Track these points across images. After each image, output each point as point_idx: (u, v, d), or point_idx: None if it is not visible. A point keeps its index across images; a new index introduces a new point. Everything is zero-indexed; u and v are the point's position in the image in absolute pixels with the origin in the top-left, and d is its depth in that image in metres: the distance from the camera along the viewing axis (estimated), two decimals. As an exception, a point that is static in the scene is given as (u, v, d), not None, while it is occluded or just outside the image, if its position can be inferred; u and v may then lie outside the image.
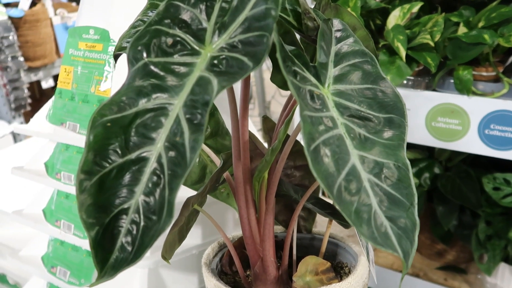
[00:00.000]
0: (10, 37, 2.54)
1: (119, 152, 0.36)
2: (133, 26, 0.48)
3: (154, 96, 0.37)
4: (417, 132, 0.87)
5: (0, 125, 2.52)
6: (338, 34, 0.43)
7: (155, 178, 0.35)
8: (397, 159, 0.36)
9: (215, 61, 0.37)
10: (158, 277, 0.86)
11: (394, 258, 1.16)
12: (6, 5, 2.65)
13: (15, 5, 2.64)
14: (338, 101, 0.38)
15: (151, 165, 0.35)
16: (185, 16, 0.40)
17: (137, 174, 0.36)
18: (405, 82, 0.88)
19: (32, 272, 0.95)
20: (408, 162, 0.36)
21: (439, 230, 1.04)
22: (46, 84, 2.82)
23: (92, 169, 0.36)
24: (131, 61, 0.39)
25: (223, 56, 0.36)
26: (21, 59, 2.59)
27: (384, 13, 0.93)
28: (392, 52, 0.86)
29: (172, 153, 0.35)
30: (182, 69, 0.38)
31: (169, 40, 0.39)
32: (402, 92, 0.87)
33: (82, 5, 0.90)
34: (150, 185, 0.35)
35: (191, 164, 0.33)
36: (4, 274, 1.27)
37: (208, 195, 0.66)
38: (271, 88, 2.39)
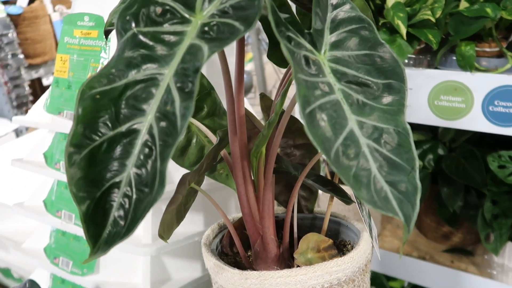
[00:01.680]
0: (10, 35, 2.53)
1: (109, 125, 0.35)
2: (122, 1, 0.47)
3: (144, 67, 0.36)
4: (420, 112, 0.85)
5: (2, 123, 2.52)
6: (334, 1, 0.42)
7: (146, 150, 0.34)
8: (397, 124, 0.34)
9: (206, 28, 0.35)
10: (161, 264, 0.85)
11: (399, 242, 1.15)
12: (5, 2, 2.64)
13: (14, 2, 2.63)
14: (335, 67, 0.37)
15: (142, 137, 0.34)
16: (175, -16, 0.39)
17: (128, 147, 0.35)
18: (406, 61, 0.86)
19: (35, 264, 0.95)
20: (408, 126, 0.34)
21: (444, 212, 1.03)
22: (47, 81, 2.81)
23: (82, 142, 0.34)
24: (120, 32, 0.38)
25: (214, 23, 0.35)
26: (21, 56, 2.58)
27: (384, -8, 0.91)
28: (392, 30, 0.84)
29: (163, 123, 0.34)
30: (173, 38, 0.36)
31: (158, 9, 0.38)
32: (404, 71, 0.86)
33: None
34: (141, 157, 0.34)
35: (182, 132, 0.32)
36: (8, 268, 1.27)
37: (207, 177, 0.65)
38: (272, 78, 2.38)
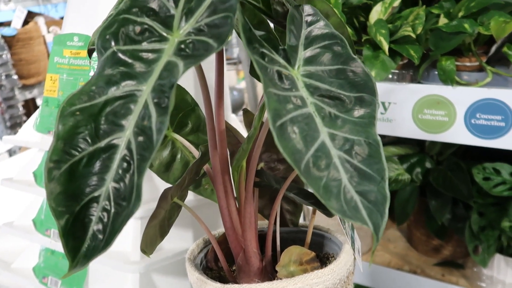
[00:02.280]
0: (4, 56, 2.55)
1: (89, 140, 0.36)
2: (105, 21, 0.48)
3: (123, 83, 0.37)
4: (405, 125, 0.87)
5: (-4, 144, 2.52)
6: (309, 19, 0.43)
7: (125, 164, 0.35)
8: (368, 136, 0.35)
9: (182, 46, 0.37)
10: (150, 281, 0.85)
11: (391, 256, 1.15)
12: (-1, 24, 2.67)
13: (8, 24, 2.66)
14: (308, 82, 0.38)
15: (121, 151, 0.35)
16: (153, 4, 0.40)
17: (107, 161, 0.35)
18: (390, 76, 0.88)
19: (24, 284, 0.94)
20: (379, 138, 0.35)
21: (433, 225, 1.04)
22: (41, 101, 2.82)
23: (62, 158, 0.35)
24: (100, 51, 0.39)
25: (190, 40, 0.36)
26: (15, 77, 2.60)
27: (367, 10, 0.94)
28: (375, 46, 0.86)
29: (140, 138, 0.35)
30: (151, 56, 0.38)
31: (137, 28, 0.39)
32: (388, 86, 0.87)
33: (67, 13, 0.90)
34: (120, 171, 0.35)
35: (157, 145, 0.33)
36: (-2, 290, 1.25)
37: (194, 193, 0.66)
38: (264, 95, 2.39)
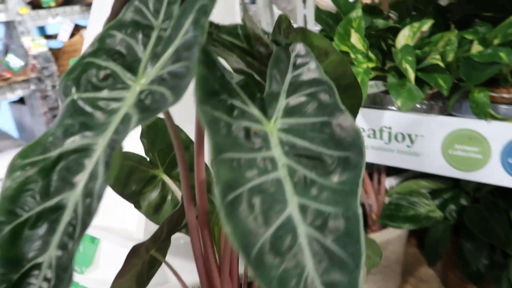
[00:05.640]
0: (50, 68, 2.66)
1: (38, 198, 0.33)
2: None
3: (80, 135, 0.34)
4: (433, 161, 0.79)
5: (40, 152, 2.62)
6: (298, 60, 0.38)
7: (70, 228, 0.31)
8: (348, 208, 0.30)
9: (142, 96, 0.33)
10: None
11: (420, 297, 1.06)
12: (47, 37, 2.79)
13: (55, 37, 2.77)
14: (285, 138, 0.33)
15: (69, 213, 0.32)
16: (121, 47, 0.36)
17: (54, 224, 0.32)
18: (418, 106, 0.81)
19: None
20: (360, 212, 0.30)
21: (468, 269, 0.94)
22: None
23: (6, 219, 0.32)
24: (61, 98, 0.36)
25: (149, 91, 0.32)
26: (60, 88, 2.70)
27: (396, 33, 0.87)
28: (401, 74, 0.79)
29: (87, 201, 0.31)
30: (111, 105, 0.34)
31: (101, 74, 0.36)
32: (415, 117, 0.80)
33: (90, 24, 0.90)
34: (65, 238, 0.31)
35: (95, 213, 0.29)
36: None
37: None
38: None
